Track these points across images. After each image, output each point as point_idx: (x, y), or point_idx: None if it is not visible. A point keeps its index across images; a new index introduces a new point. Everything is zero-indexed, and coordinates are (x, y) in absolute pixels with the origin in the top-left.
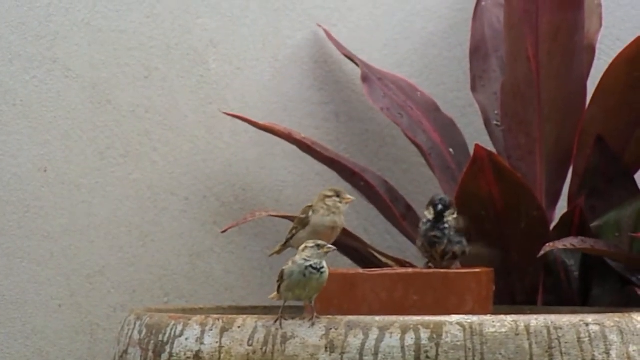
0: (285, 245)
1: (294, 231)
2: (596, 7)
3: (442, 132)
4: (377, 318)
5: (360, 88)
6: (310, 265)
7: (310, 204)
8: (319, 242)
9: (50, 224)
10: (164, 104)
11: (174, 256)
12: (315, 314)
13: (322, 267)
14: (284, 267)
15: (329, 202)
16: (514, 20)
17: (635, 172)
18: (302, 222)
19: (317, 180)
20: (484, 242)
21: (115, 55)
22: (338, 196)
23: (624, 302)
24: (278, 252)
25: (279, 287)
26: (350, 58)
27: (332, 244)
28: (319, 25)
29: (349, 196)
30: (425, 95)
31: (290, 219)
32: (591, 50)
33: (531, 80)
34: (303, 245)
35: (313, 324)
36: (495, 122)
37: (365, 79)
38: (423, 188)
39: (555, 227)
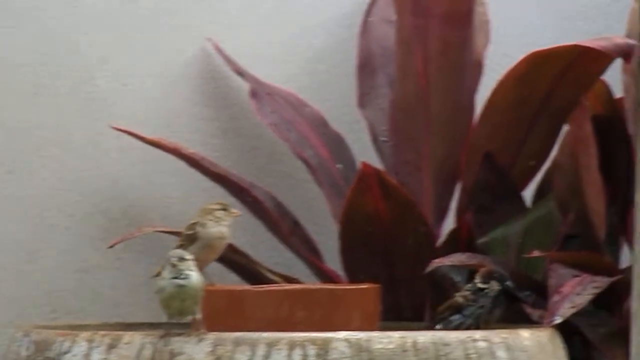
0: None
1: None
2: (484, 23)
3: (330, 148)
4: (265, 334)
5: (248, 104)
6: (174, 277)
7: (194, 221)
8: (180, 253)
9: None
10: (52, 120)
11: (62, 272)
12: (202, 331)
13: (185, 276)
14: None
15: (218, 214)
16: (405, 35)
17: (523, 189)
18: (189, 238)
19: (205, 196)
20: None
21: (3, 72)
22: (225, 209)
23: (511, 318)
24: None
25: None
26: (240, 73)
27: (217, 259)
28: (208, 39)
29: (235, 210)
30: (314, 110)
31: (178, 234)
32: (479, 66)
33: (420, 96)
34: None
35: (200, 341)
36: (382, 139)
37: (254, 94)
38: (311, 204)
39: (443, 243)
